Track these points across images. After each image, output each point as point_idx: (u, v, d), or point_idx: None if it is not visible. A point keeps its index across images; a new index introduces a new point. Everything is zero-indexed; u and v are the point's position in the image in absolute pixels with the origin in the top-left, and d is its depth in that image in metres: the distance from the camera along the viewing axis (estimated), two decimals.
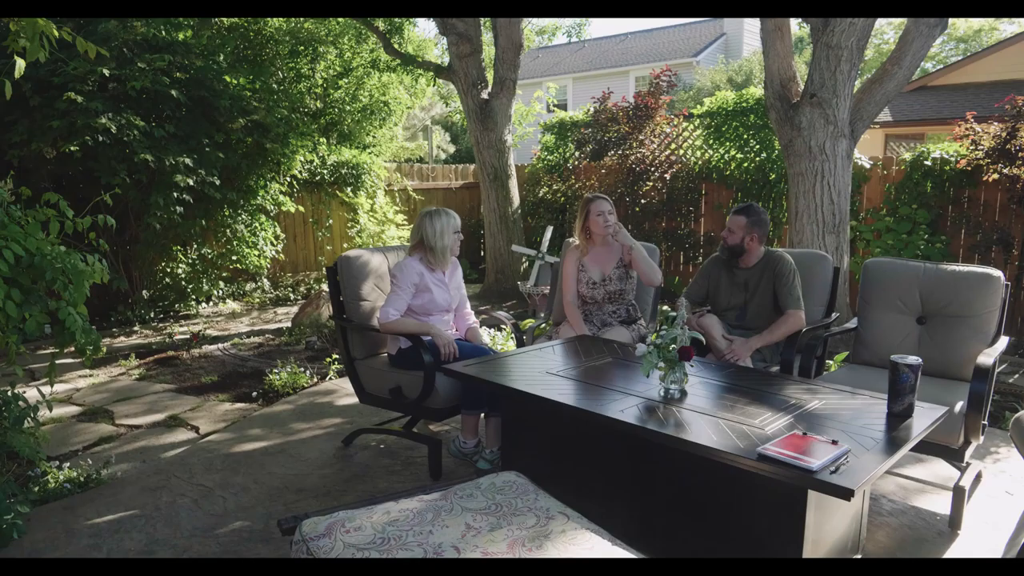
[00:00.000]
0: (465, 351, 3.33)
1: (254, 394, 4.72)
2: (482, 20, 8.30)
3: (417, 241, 3.49)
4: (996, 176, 6.36)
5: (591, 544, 1.89)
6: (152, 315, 7.02)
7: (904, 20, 5.76)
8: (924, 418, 2.30)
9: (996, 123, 6.45)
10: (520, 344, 3.92)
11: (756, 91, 8.28)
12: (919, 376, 2.31)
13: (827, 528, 2.20)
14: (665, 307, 5.69)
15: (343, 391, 4.73)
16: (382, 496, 2.20)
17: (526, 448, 2.85)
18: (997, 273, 3.28)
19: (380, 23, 8.87)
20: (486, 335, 5.24)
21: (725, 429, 2.18)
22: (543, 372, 2.84)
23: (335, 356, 5.30)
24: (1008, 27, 24.90)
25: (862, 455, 1.99)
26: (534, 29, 9.76)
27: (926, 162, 6.92)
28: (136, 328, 6.73)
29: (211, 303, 7.82)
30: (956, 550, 2.74)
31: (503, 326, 5.77)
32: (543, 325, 4.25)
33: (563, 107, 12.08)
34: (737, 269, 3.60)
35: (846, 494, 1.77)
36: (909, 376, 2.29)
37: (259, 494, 3.22)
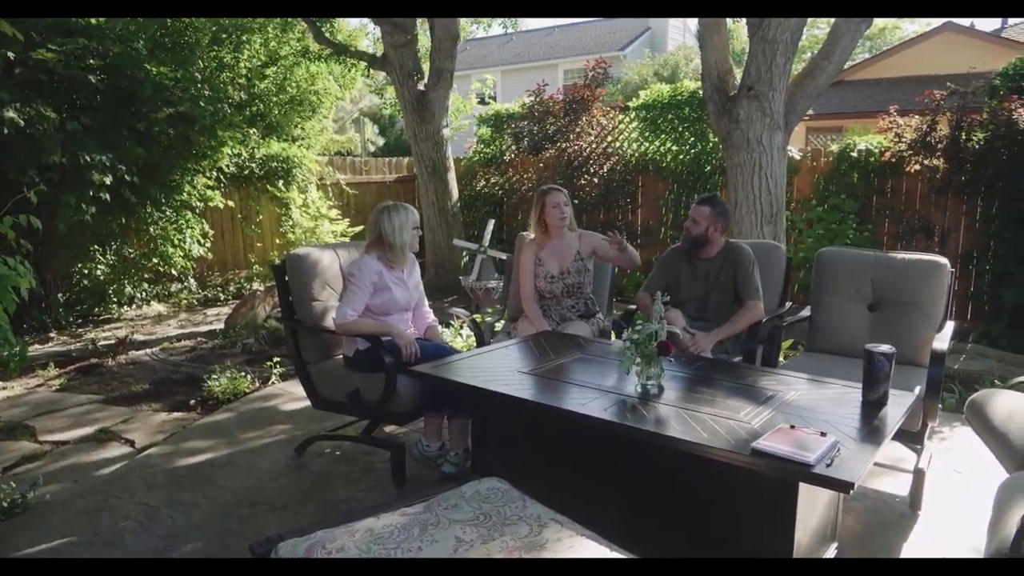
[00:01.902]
0: (427, 351, 3.20)
1: (192, 402, 4.44)
2: None
3: (375, 238, 3.33)
4: (918, 167, 6.67)
5: (590, 551, 1.82)
6: (70, 320, 6.54)
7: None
8: (898, 405, 2.33)
9: (917, 116, 6.75)
10: (480, 341, 3.81)
11: (691, 84, 8.40)
12: (893, 364, 2.34)
13: (811, 519, 2.21)
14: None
15: (289, 395, 4.51)
16: (360, 510, 2.07)
17: (500, 451, 2.75)
18: (944, 261, 3.40)
19: None
20: None
21: (713, 425, 2.15)
22: (514, 371, 2.76)
23: (276, 359, 5.05)
24: (909, 26, 26.34)
25: (850, 445, 2.00)
26: (469, 20, 9.57)
27: (852, 154, 7.18)
28: (52, 334, 6.25)
29: (134, 306, 7.35)
30: (920, 531, 2.82)
31: (451, 322, 5.65)
32: (499, 321, 4.16)
33: (492, 100, 11.96)
34: (698, 260, 3.60)
35: (846, 487, 1.77)
36: (884, 364, 2.32)
37: (210, 511, 3.00)
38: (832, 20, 5.92)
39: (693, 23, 24.10)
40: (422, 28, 8.64)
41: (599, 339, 3.56)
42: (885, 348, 2.35)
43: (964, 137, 6.39)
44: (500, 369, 2.79)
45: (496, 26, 9.81)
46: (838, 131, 12.69)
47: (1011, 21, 15.41)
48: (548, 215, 3.77)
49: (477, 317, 5.36)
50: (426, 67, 8.18)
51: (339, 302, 3.30)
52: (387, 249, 3.30)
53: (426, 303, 3.61)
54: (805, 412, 2.27)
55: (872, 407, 2.32)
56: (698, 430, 2.11)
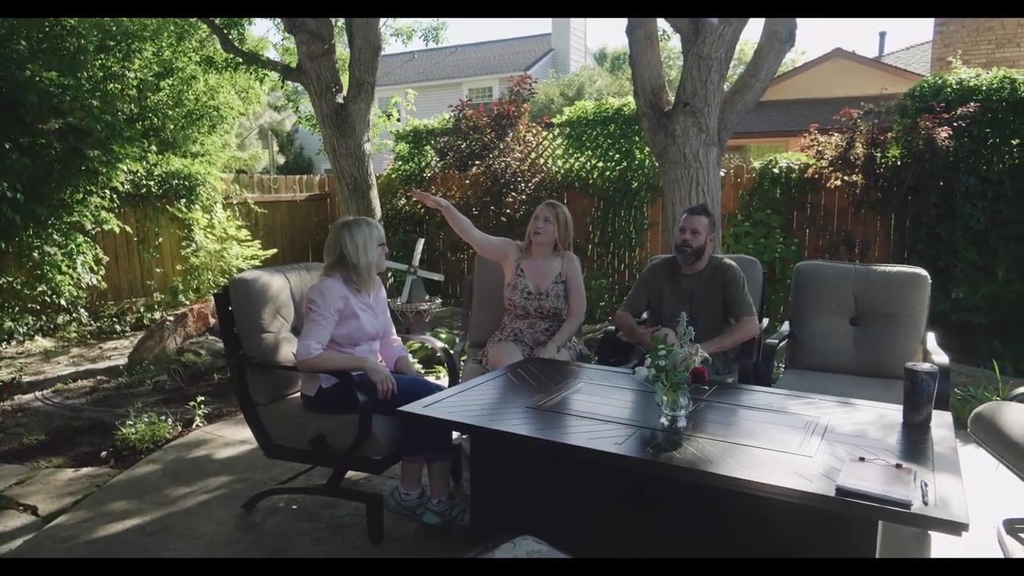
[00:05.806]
0: (404, 386, 2.83)
1: (103, 453, 3.81)
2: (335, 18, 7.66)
3: (336, 259, 2.93)
4: (839, 183, 6.89)
5: None
6: None
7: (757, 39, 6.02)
8: (944, 427, 2.20)
9: (836, 135, 6.99)
10: (453, 372, 3.43)
11: (615, 101, 8.40)
12: (937, 383, 2.21)
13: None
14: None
15: (220, 440, 3.97)
16: None
17: (511, 501, 2.42)
18: (924, 272, 3.38)
19: (217, 19, 7.89)
20: None
21: (772, 461, 1.92)
22: (519, 406, 2.44)
23: (201, 398, 4.46)
24: (790, 54, 28.17)
25: (929, 477, 1.82)
26: (390, 31, 9.21)
27: (774, 170, 7.35)
28: None
29: (15, 342, 6.43)
30: (940, 551, 2.72)
31: None
32: (463, 349, 3.83)
33: (399, 118, 11.44)
34: (681, 277, 3.43)
35: (958, 529, 1.58)
36: (929, 384, 2.18)
37: None
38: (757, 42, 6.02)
39: (594, 46, 24.70)
40: (339, 38, 8.18)
41: (583, 364, 3.30)
42: (927, 367, 2.21)
43: (879, 155, 6.66)
44: (502, 405, 2.47)
45: (417, 39, 9.47)
46: (738, 150, 13.19)
47: (887, 49, 16.68)
48: (530, 225, 3.55)
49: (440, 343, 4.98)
50: (344, 79, 7.73)
51: (295, 334, 2.88)
52: (352, 271, 2.91)
53: (394, 330, 3.23)
54: (857, 440, 2.09)
55: (921, 431, 2.17)
56: (763, 469, 1.87)
